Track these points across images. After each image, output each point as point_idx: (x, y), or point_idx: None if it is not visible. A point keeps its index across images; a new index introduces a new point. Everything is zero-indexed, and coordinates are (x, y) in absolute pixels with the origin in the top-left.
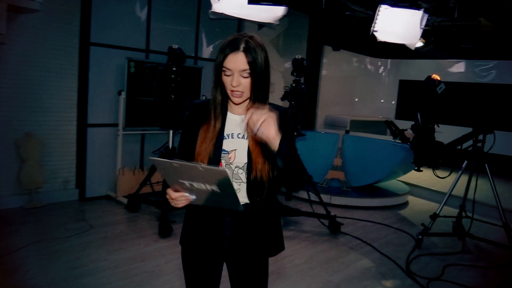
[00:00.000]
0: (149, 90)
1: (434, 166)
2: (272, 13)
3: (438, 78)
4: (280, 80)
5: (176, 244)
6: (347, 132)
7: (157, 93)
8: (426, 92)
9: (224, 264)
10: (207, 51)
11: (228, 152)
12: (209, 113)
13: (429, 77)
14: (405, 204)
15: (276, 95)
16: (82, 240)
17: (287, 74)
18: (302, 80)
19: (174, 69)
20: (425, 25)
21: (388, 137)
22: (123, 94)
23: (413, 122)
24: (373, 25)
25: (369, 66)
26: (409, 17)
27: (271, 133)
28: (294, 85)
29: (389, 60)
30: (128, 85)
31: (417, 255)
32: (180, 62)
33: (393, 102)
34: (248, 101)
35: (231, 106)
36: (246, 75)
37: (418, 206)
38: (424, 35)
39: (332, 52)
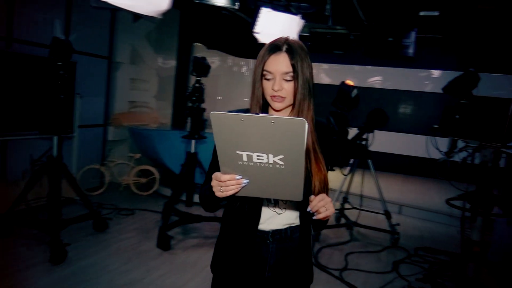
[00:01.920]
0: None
1: (338, 165)
2: (156, 6)
3: (352, 84)
4: (155, 78)
5: (76, 271)
6: None
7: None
8: (340, 96)
9: None
10: (81, 43)
11: None
12: None
13: (343, 82)
14: None
15: (150, 93)
16: None
17: (161, 71)
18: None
19: (59, 63)
20: (309, 31)
21: None
22: None
23: None
24: (254, 26)
25: (232, 65)
26: (288, 21)
27: (330, 215)
28: (197, 85)
29: (251, 60)
30: None
31: (320, 247)
32: (68, 56)
33: None
34: (291, 110)
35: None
36: (289, 78)
37: None
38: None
39: (203, 50)
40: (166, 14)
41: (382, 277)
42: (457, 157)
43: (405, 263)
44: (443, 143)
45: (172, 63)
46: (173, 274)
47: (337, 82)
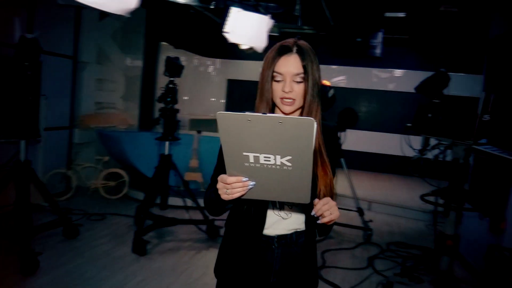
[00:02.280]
0: None
1: None
2: (125, 4)
3: (328, 84)
4: (122, 78)
5: (51, 281)
6: (199, 132)
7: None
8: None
9: None
10: (45, 42)
11: None
12: None
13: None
14: None
15: (117, 94)
16: None
17: (128, 71)
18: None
19: (26, 64)
20: (279, 31)
21: None
22: None
23: None
24: (223, 26)
25: (198, 65)
26: (258, 21)
27: (334, 219)
28: (171, 86)
29: (218, 60)
30: None
31: None
32: (36, 56)
33: (222, 101)
34: (299, 113)
35: None
36: (299, 79)
37: None
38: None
39: (171, 50)
40: (132, 12)
41: (359, 273)
42: (430, 155)
43: (379, 259)
44: (416, 141)
45: (139, 63)
46: (152, 280)
47: None
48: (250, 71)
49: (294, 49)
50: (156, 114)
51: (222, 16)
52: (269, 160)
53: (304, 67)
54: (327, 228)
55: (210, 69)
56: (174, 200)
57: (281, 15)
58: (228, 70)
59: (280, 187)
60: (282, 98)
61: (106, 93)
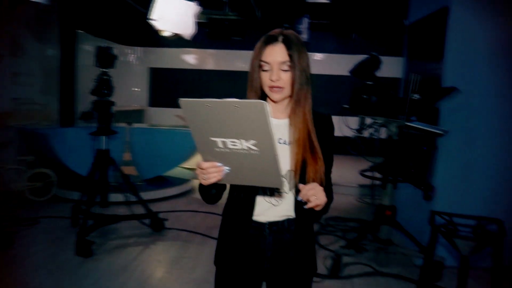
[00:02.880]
0: None
1: None
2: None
3: None
4: (39, 71)
5: None
6: (129, 124)
7: None
8: None
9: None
10: None
11: None
12: None
13: None
14: (194, 189)
15: (36, 88)
16: None
17: (46, 63)
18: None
19: None
20: (206, 18)
21: (175, 127)
22: None
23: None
24: (150, 13)
25: (119, 54)
26: (184, 7)
27: (321, 204)
28: (105, 77)
29: (139, 48)
30: None
31: None
32: None
33: (145, 91)
34: (288, 101)
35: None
36: (286, 68)
37: None
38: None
39: (90, 39)
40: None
41: None
42: (367, 133)
43: (322, 234)
44: (354, 121)
45: (56, 53)
46: (106, 281)
47: (238, 68)
48: (174, 59)
49: (280, 38)
50: (80, 107)
51: (148, 3)
52: (236, 145)
53: (290, 55)
54: (316, 214)
55: (131, 58)
56: (114, 197)
57: (208, 2)
58: (150, 58)
59: (253, 171)
60: (270, 87)
61: (24, 88)
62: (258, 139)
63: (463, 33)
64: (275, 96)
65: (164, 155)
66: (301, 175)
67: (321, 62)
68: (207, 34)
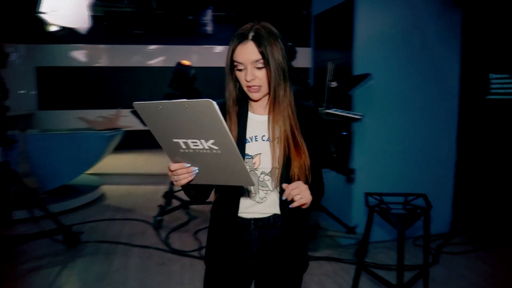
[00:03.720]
0: None
1: None
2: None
3: (189, 63)
4: None
5: None
6: (22, 130)
7: None
8: (177, 77)
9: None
10: None
11: (252, 157)
12: (226, 113)
13: (179, 63)
14: (104, 195)
15: None
16: None
17: None
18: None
19: None
20: (103, 11)
21: (76, 131)
22: None
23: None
24: (39, 6)
25: None
26: (77, 0)
27: (306, 203)
28: None
29: (21, 45)
30: None
31: (166, 234)
32: None
33: (33, 92)
34: (268, 98)
35: (251, 106)
36: (260, 65)
37: (113, 192)
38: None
39: None
40: None
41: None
42: None
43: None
44: None
45: None
46: None
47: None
48: (63, 56)
49: (250, 35)
50: None
51: None
52: (198, 145)
53: (262, 53)
54: (303, 211)
55: (14, 57)
56: (18, 214)
57: None
58: (36, 56)
59: (222, 171)
60: (248, 87)
61: None
62: (216, 138)
63: (368, 23)
64: (254, 95)
65: (67, 162)
66: (285, 172)
67: (225, 55)
68: (104, 28)
